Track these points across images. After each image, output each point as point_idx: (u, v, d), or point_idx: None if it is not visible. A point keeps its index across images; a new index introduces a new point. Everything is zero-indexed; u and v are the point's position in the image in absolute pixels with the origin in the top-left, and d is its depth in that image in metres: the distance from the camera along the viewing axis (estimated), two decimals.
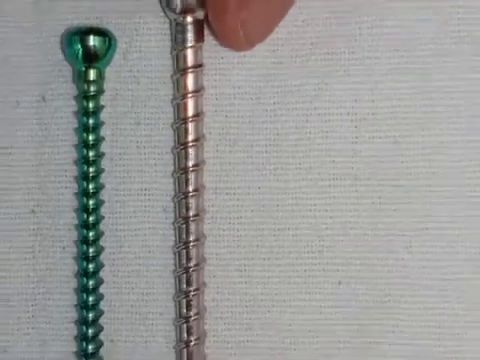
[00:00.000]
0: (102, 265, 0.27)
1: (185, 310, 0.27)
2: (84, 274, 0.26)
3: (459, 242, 0.29)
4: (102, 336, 0.27)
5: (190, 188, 0.26)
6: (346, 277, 0.30)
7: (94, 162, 0.25)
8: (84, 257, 0.26)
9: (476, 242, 0.29)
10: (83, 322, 0.26)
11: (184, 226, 0.26)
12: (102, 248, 0.27)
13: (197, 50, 0.25)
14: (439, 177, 0.29)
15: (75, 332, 0.27)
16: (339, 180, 0.29)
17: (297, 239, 0.30)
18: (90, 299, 0.26)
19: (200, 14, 0.25)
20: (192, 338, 0.27)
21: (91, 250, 0.26)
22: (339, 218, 0.30)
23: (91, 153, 0.25)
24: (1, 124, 0.27)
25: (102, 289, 0.27)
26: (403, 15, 0.28)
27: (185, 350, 0.27)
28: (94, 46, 0.25)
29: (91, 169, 0.25)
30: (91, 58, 0.25)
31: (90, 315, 0.26)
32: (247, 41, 0.25)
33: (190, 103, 0.25)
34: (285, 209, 0.30)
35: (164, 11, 0.26)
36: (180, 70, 0.25)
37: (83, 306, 0.26)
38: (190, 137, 0.25)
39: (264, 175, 0.29)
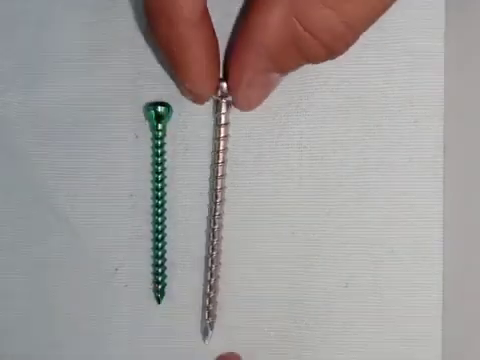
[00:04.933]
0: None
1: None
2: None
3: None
4: None
5: (218, 187, 0.32)
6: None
7: (162, 172, 0.33)
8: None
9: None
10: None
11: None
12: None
13: (227, 115, 0.32)
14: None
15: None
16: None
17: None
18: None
19: (229, 98, 0.32)
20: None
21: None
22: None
23: (159, 166, 0.32)
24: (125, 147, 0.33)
25: None
26: None
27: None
28: (160, 111, 0.32)
29: (160, 181, 0.33)
30: (158, 117, 0.32)
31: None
32: (250, 107, 0.32)
33: (221, 142, 0.32)
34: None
35: None
36: (217, 125, 0.32)
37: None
38: (220, 160, 0.32)
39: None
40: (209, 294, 0.32)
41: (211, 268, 0.32)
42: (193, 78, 0.30)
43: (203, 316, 0.33)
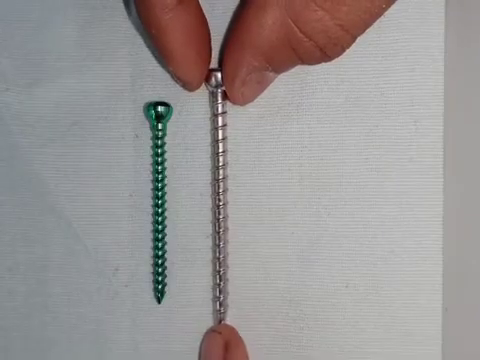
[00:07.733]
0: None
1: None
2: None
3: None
4: None
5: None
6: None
7: (162, 172, 0.33)
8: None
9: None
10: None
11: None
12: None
13: (223, 105, 0.32)
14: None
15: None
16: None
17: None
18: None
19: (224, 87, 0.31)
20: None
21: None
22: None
23: (159, 166, 0.33)
24: (118, 146, 0.33)
25: None
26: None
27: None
28: (161, 111, 0.32)
29: (160, 177, 0.33)
30: (158, 117, 0.32)
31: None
32: (244, 103, 0.32)
33: (220, 132, 0.32)
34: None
35: (205, 85, 0.32)
36: (214, 115, 0.32)
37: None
38: (220, 150, 0.32)
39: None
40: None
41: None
42: (175, 62, 0.30)
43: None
